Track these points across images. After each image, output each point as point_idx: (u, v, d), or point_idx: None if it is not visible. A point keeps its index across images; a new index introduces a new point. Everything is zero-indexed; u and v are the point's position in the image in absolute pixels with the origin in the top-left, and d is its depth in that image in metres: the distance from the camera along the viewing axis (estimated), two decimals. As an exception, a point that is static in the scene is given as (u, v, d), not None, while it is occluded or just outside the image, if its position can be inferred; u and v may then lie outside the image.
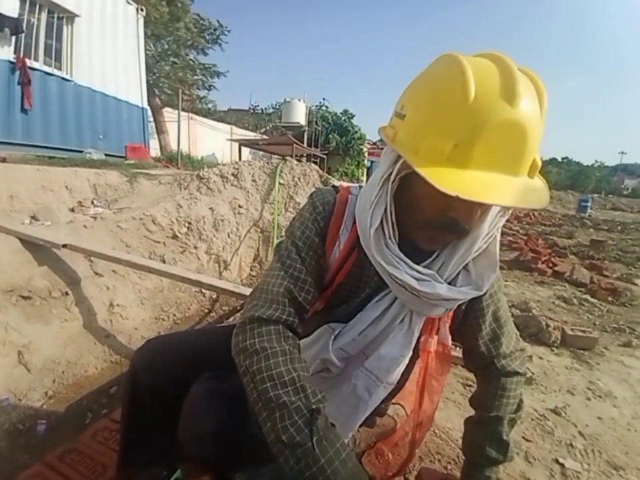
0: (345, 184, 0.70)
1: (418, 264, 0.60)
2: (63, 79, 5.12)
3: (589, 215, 11.64)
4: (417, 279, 0.58)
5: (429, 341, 0.69)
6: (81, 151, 4.94)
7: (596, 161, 47.16)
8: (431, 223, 0.55)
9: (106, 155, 5.16)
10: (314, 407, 0.52)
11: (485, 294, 0.66)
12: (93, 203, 2.84)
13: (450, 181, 0.44)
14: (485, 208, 0.54)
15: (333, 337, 0.69)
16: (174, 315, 2.11)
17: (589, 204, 13.52)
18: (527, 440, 1.17)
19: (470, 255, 0.61)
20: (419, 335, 0.69)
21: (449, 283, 0.62)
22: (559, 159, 49.81)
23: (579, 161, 49.14)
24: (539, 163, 0.48)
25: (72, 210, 2.69)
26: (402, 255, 0.59)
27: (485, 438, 0.72)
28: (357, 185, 0.71)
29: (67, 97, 5.14)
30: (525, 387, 1.47)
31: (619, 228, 8.02)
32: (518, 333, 0.78)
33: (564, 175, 42.78)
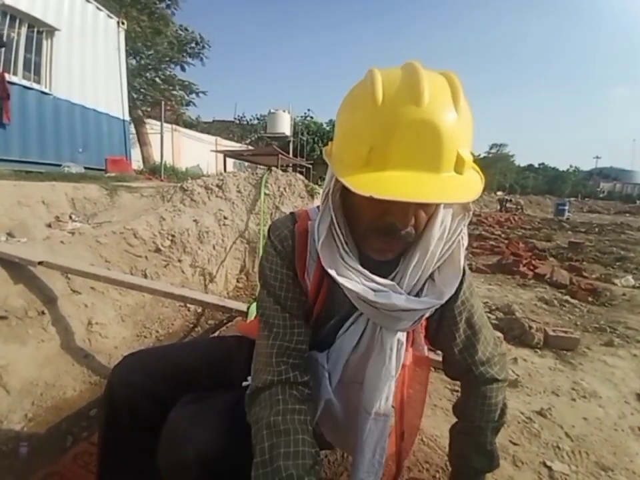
0: (303, 210, 0.69)
1: (385, 277, 0.59)
2: (42, 92, 5.05)
3: (567, 218, 12.04)
4: (374, 290, 0.57)
5: (404, 354, 0.67)
6: (60, 165, 4.84)
7: (571, 166, 49.09)
8: (372, 229, 0.55)
9: (85, 168, 5.07)
10: None
11: (456, 301, 0.65)
12: (70, 217, 2.76)
13: (366, 182, 0.46)
14: (424, 209, 0.54)
15: (327, 374, 0.67)
16: (157, 332, 2.05)
17: (567, 207, 14.01)
18: (514, 443, 1.18)
19: (429, 263, 0.59)
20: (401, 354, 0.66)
21: (416, 295, 0.60)
22: (536, 165, 51.48)
23: (554, 166, 50.85)
24: (466, 158, 0.48)
25: (49, 225, 2.60)
26: (359, 266, 0.58)
27: (470, 448, 0.72)
28: (316, 206, 0.68)
29: (46, 111, 5.07)
30: (511, 389, 1.48)
31: (596, 230, 8.31)
32: (497, 337, 0.78)
33: (541, 180, 44.26)
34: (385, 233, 0.54)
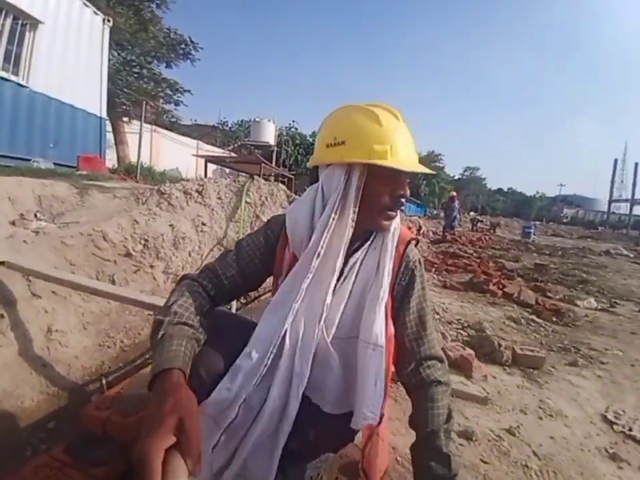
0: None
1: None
2: (19, 84, 4.86)
3: (532, 240, 12.63)
4: None
5: (389, 324, 0.76)
6: (29, 160, 4.60)
7: (537, 192, 52.15)
8: (388, 206, 0.77)
9: (56, 164, 4.86)
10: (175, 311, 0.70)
11: (415, 289, 0.81)
12: (36, 216, 2.60)
13: (401, 165, 0.73)
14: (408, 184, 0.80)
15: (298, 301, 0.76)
16: (121, 342, 1.93)
17: (532, 230, 14.73)
18: (485, 462, 1.19)
19: None
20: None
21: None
22: (505, 189, 54.37)
23: (522, 191, 53.86)
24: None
25: (13, 223, 2.44)
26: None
27: (428, 456, 0.75)
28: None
29: (20, 103, 4.87)
30: (481, 407, 1.51)
31: (560, 253, 8.76)
32: (441, 345, 0.84)
33: (510, 203, 46.75)
34: (398, 203, 0.78)
